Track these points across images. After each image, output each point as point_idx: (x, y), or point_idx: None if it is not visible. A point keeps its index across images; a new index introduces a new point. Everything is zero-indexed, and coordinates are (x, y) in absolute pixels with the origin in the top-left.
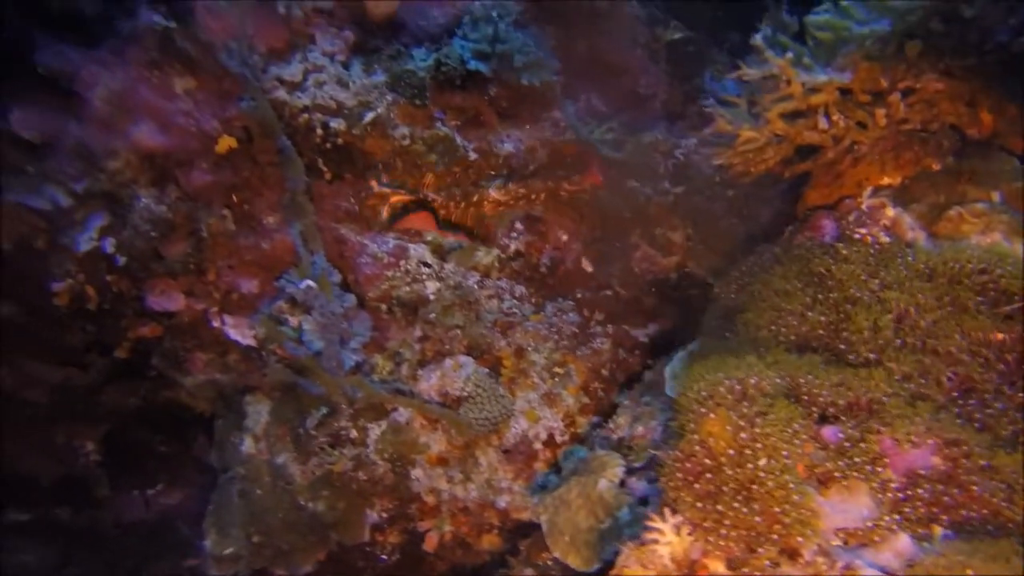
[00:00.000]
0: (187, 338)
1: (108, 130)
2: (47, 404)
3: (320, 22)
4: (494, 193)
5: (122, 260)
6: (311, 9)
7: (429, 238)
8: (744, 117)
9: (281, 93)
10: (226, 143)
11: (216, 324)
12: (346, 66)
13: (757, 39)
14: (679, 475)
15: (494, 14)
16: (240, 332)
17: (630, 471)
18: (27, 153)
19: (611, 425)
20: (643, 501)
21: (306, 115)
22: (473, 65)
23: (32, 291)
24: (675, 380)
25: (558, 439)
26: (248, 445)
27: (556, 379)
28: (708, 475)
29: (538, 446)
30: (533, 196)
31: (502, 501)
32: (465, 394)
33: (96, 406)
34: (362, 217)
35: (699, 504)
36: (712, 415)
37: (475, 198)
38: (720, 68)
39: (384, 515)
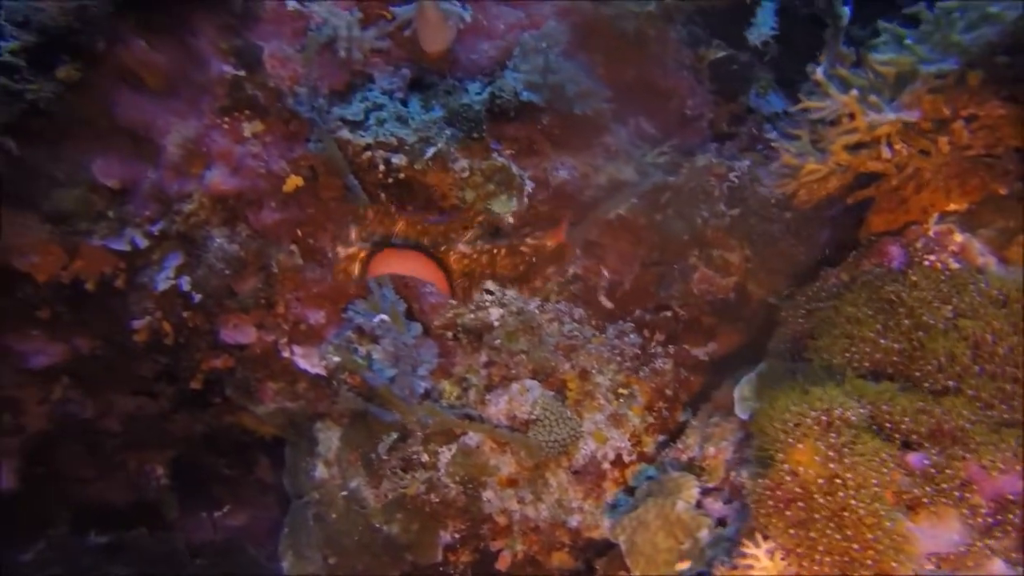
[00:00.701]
0: (258, 368)
1: (182, 175)
2: (121, 432)
3: (378, 61)
4: (462, 247)
5: (198, 297)
6: (368, 50)
7: None
8: (808, 150)
9: (344, 132)
10: (293, 182)
11: (286, 355)
12: (405, 103)
13: (818, 73)
14: (770, 503)
15: (543, 45)
16: (309, 362)
17: (705, 492)
18: (108, 198)
19: (679, 445)
20: (721, 522)
21: (369, 152)
22: (526, 96)
23: (112, 327)
24: (745, 402)
25: (626, 459)
26: (321, 471)
27: (621, 400)
28: (799, 503)
29: (606, 466)
30: (495, 251)
31: (573, 520)
32: (533, 417)
33: (165, 433)
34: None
35: (791, 531)
36: (800, 445)
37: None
38: (764, 85)
39: (456, 536)
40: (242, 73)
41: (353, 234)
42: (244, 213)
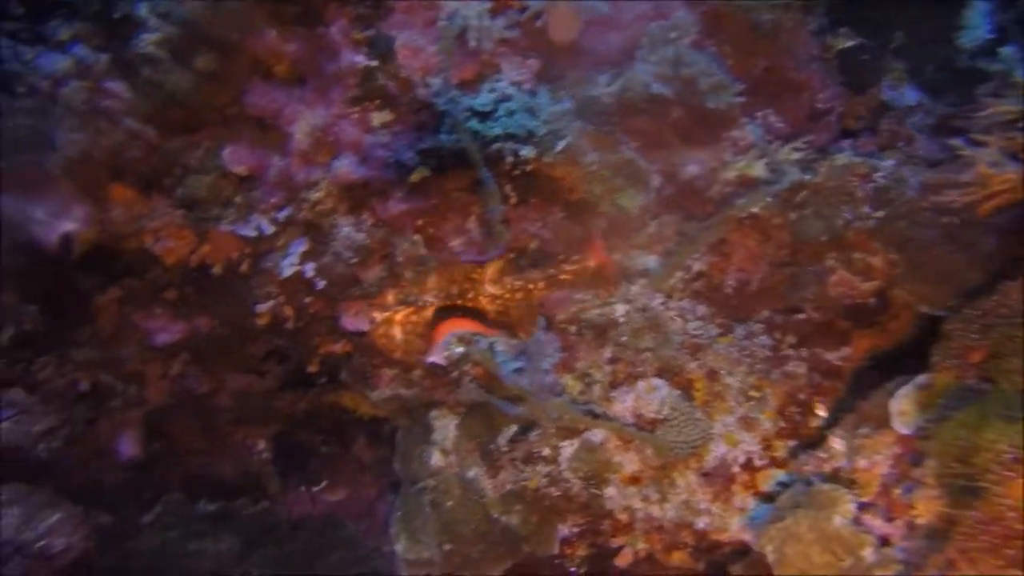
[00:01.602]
0: (376, 355)
1: (309, 163)
2: (231, 408)
3: (505, 51)
4: (490, 288)
5: (322, 284)
6: (497, 39)
7: (616, 259)
8: (1000, 159)
9: (474, 123)
10: (420, 173)
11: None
12: (533, 94)
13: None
14: (983, 537)
15: (672, 36)
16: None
17: (861, 507)
18: (236, 185)
19: (822, 454)
20: (885, 542)
21: (498, 144)
22: (656, 89)
23: (231, 309)
24: (905, 417)
25: (757, 463)
26: (437, 458)
27: (752, 403)
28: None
29: (736, 469)
30: (531, 286)
31: (701, 522)
32: (662, 417)
33: (270, 410)
34: (548, 242)
35: (1012, 570)
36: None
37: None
38: (897, 75)
39: (575, 530)
40: (374, 63)
41: (473, 226)
42: (370, 202)
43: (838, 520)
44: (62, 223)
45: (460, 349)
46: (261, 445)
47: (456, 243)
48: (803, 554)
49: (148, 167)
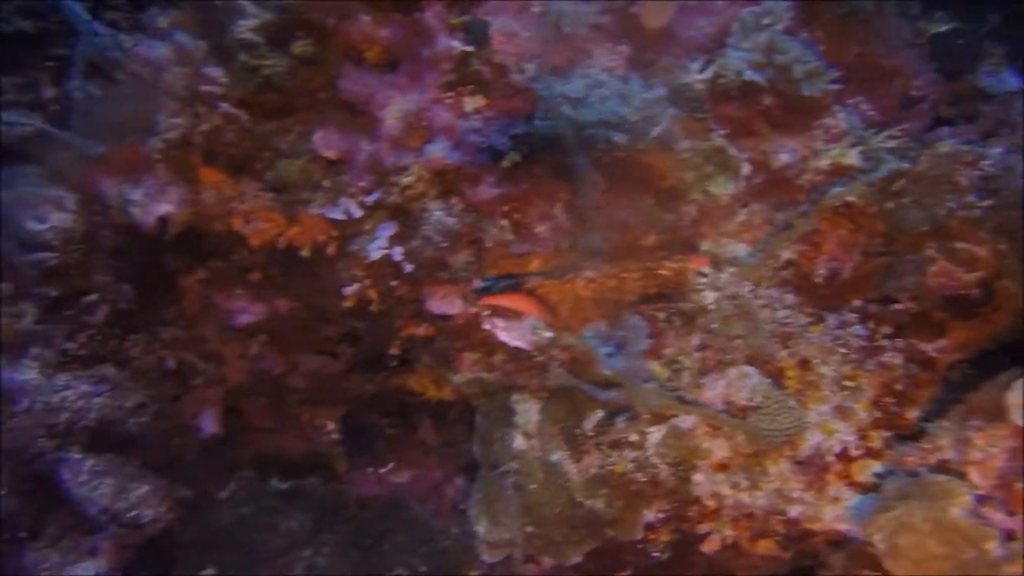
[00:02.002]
0: (458, 339)
1: (399, 147)
2: (303, 389)
3: (596, 37)
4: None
5: (409, 267)
6: (589, 25)
7: (705, 247)
8: None
9: (565, 109)
10: (511, 159)
11: (487, 327)
12: (625, 81)
13: None
14: None
15: (765, 22)
16: (510, 334)
17: (978, 499)
18: (325, 169)
19: (927, 446)
20: (1009, 536)
21: (590, 130)
22: (749, 76)
23: (310, 291)
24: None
25: (852, 453)
26: (520, 442)
27: (846, 392)
28: None
29: (831, 459)
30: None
31: (794, 511)
32: (753, 404)
33: (339, 391)
34: (637, 227)
35: None
36: None
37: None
38: (996, 61)
39: (660, 515)
40: (469, 48)
41: (559, 212)
42: (461, 187)
43: (956, 511)
44: (159, 205)
45: (549, 333)
46: (329, 426)
47: (542, 229)
48: (918, 545)
49: (239, 151)
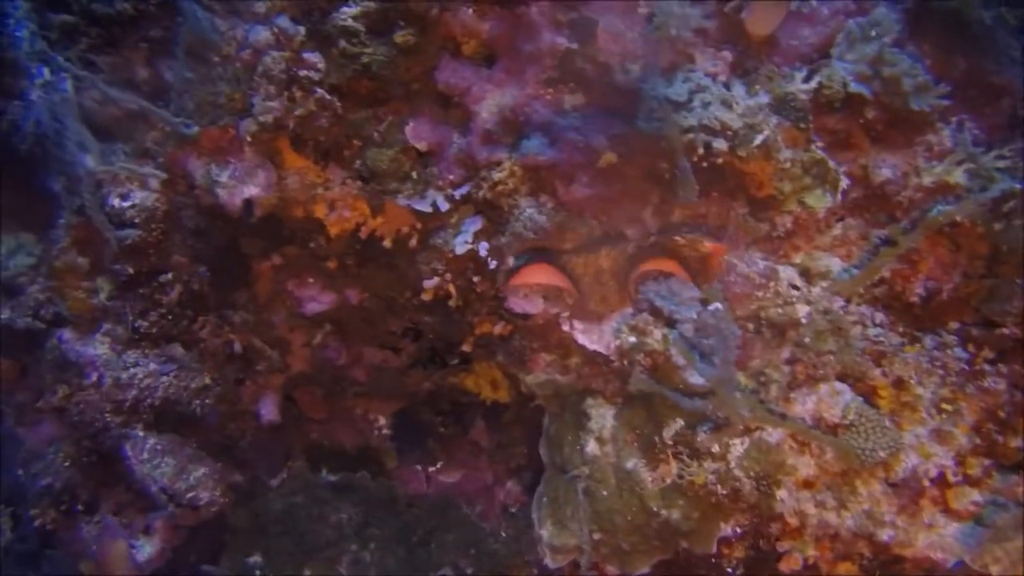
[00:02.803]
0: (535, 339)
1: (493, 142)
2: (362, 382)
3: (698, 42)
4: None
5: (494, 263)
6: (693, 29)
7: (798, 260)
8: None
9: (669, 112)
10: (608, 158)
11: (566, 328)
12: (727, 86)
13: None
14: None
15: (872, 33)
16: (588, 337)
17: None
18: (414, 160)
19: None
20: None
21: (690, 135)
22: (855, 87)
23: (383, 282)
24: None
25: (950, 479)
26: (593, 447)
27: (945, 416)
28: None
29: (926, 483)
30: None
31: (884, 534)
32: (846, 422)
33: (396, 386)
34: (729, 235)
35: None
36: None
37: None
38: None
39: (738, 530)
40: (574, 46)
41: (647, 215)
42: (554, 185)
43: None
44: (246, 188)
45: (633, 338)
46: (381, 420)
47: (630, 231)
48: None
49: (328, 137)
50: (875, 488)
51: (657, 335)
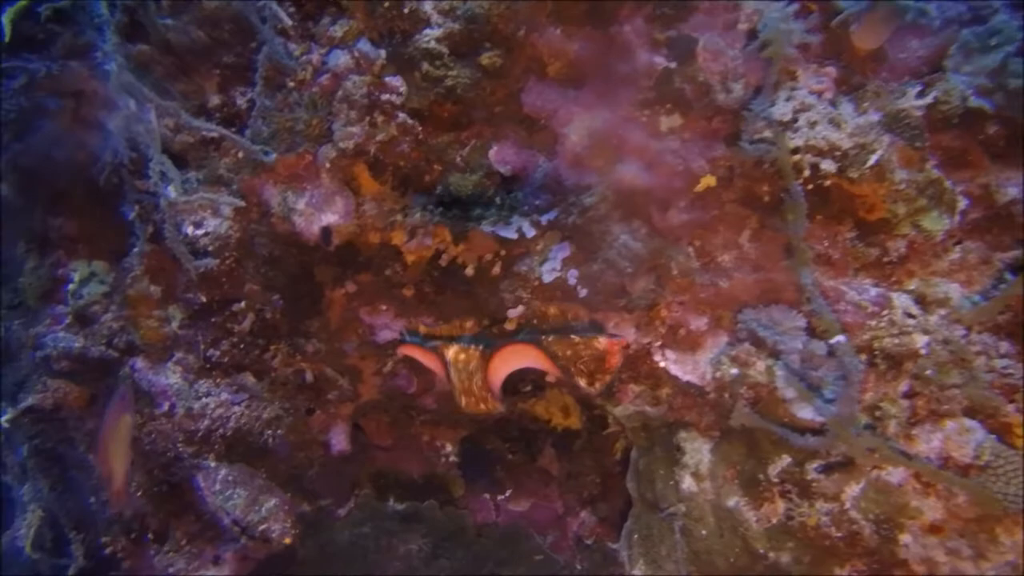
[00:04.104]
0: (624, 369)
1: (582, 166)
2: (432, 410)
3: (800, 58)
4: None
5: (584, 292)
6: (796, 44)
7: (913, 286)
8: None
9: (768, 133)
10: (706, 182)
11: (657, 359)
12: (834, 104)
13: None
14: None
15: (992, 43)
16: (682, 368)
17: None
18: (499, 185)
19: None
20: None
21: (796, 155)
22: (976, 102)
23: (457, 310)
24: None
25: None
26: (689, 483)
27: None
28: None
29: None
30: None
31: None
32: (981, 463)
33: (466, 413)
34: (836, 261)
35: None
36: None
37: None
38: None
39: (854, 575)
40: (673, 65)
41: (745, 241)
42: (648, 211)
43: None
44: (324, 215)
45: (735, 370)
46: (448, 447)
47: (725, 258)
48: None
49: (408, 163)
50: (1019, 537)
51: (760, 367)
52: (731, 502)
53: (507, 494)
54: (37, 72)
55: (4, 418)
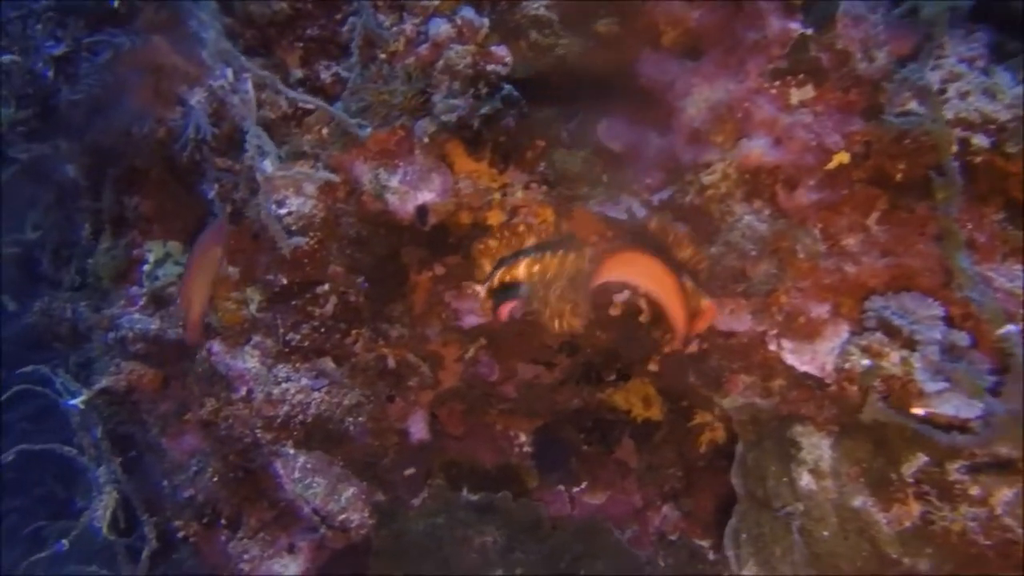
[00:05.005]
0: (735, 358)
1: (700, 142)
2: (511, 398)
3: (950, 20)
4: None
5: (702, 276)
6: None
7: None
8: None
9: (913, 105)
10: (839, 159)
11: (772, 347)
12: (987, 72)
13: None
14: None
15: None
16: (799, 358)
17: None
18: (607, 162)
19: None
20: None
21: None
22: None
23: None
24: None
25: None
26: (808, 480)
27: None
28: None
29: None
30: None
31: None
32: None
33: (545, 403)
34: (982, 245)
35: None
36: None
37: None
38: None
39: None
40: (809, 32)
41: (872, 223)
42: (773, 190)
43: None
44: (419, 193)
45: (867, 361)
46: (522, 437)
47: (851, 241)
48: None
49: (509, 138)
50: None
51: (895, 358)
52: (857, 502)
53: (582, 486)
54: (122, 46)
55: (79, 399)
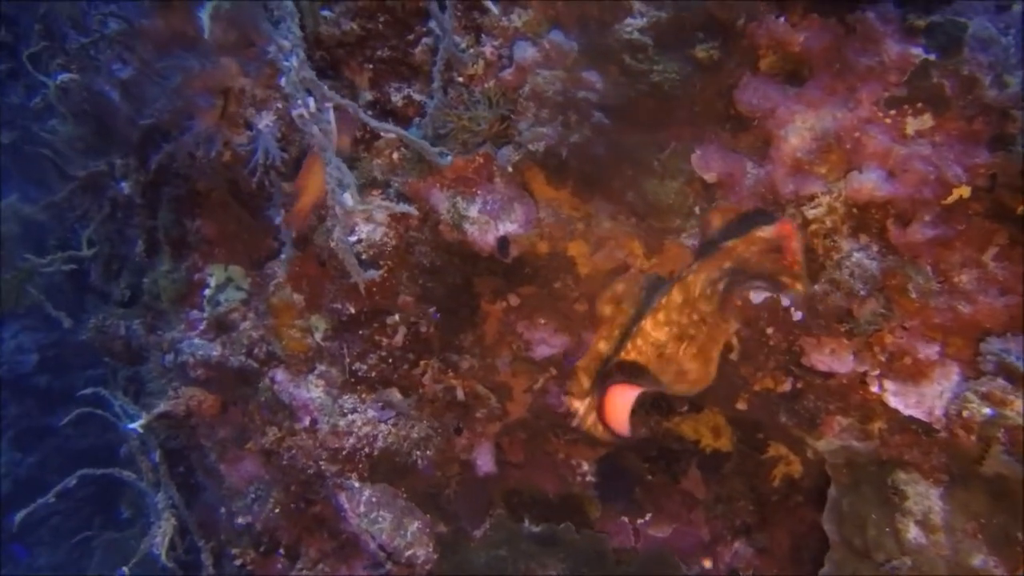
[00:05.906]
0: (832, 399)
1: (802, 173)
2: (576, 428)
3: None
4: None
5: (800, 314)
6: None
7: None
8: None
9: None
10: (959, 192)
11: (874, 389)
12: None
13: None
14: None
15: None
16: (904, 400)
17: None
18: (699, 193)
19: None
20: None
21: None
22: None
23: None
24: None
25: None
26: (916, 533)
27: None
28: None
29: None
30: None
31: None
32: None
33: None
34: None
35: None
36: None
37: None
38: None
39: None
40: (932, 56)
41: (989, 259)
42: (883, 225)
43: None
44: (501, 224)
45: (988, 410)
46: (585, 467)
47: (964, 278)
48: None
49: (595, 166)
50: None
51: (1019, 406)
52: (977, 561)
53: (647, 518)
54: (192, 69)
55: (139, 423)
